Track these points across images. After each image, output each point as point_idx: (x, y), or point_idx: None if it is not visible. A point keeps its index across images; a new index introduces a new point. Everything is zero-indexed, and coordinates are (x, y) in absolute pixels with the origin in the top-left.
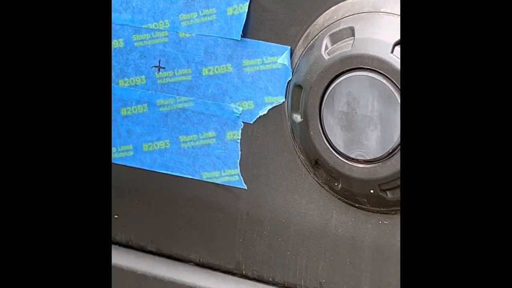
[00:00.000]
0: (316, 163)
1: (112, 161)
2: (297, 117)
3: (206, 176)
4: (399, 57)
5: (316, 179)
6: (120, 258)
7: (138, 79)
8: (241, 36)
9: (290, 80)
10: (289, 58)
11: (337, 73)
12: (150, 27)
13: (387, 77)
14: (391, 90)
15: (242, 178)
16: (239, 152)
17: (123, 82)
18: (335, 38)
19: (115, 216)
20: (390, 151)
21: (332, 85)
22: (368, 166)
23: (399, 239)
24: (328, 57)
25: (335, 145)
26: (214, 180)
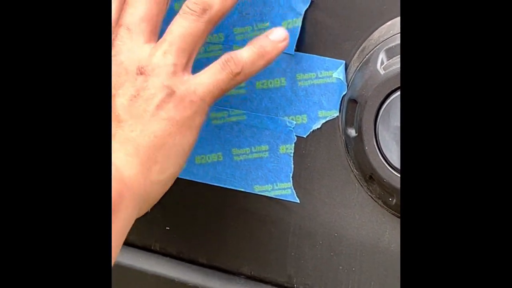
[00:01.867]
0: (370, 178)
1: None
2: (352, 132)
3: (258, 189)
4: None
5: (369, 194)
6: (171, 270)
7: None
8: (295, 50)
9: (344, 95)
10: (344, 73)
11: (393, 88)
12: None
13: None
14: None
15: (294, 192)
16: (292, 166)
17: None
18: (391, 53)
19: (167, 228)
20: None
21: (388, 100)
22: None
23: None
24: (384, 72)
25: (390, 160)
26: (266, 194)
